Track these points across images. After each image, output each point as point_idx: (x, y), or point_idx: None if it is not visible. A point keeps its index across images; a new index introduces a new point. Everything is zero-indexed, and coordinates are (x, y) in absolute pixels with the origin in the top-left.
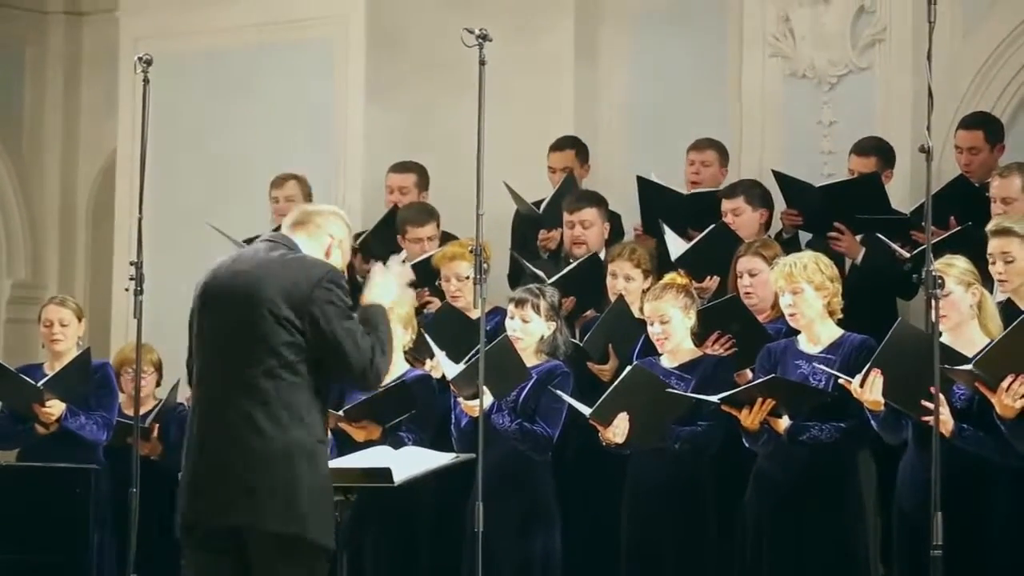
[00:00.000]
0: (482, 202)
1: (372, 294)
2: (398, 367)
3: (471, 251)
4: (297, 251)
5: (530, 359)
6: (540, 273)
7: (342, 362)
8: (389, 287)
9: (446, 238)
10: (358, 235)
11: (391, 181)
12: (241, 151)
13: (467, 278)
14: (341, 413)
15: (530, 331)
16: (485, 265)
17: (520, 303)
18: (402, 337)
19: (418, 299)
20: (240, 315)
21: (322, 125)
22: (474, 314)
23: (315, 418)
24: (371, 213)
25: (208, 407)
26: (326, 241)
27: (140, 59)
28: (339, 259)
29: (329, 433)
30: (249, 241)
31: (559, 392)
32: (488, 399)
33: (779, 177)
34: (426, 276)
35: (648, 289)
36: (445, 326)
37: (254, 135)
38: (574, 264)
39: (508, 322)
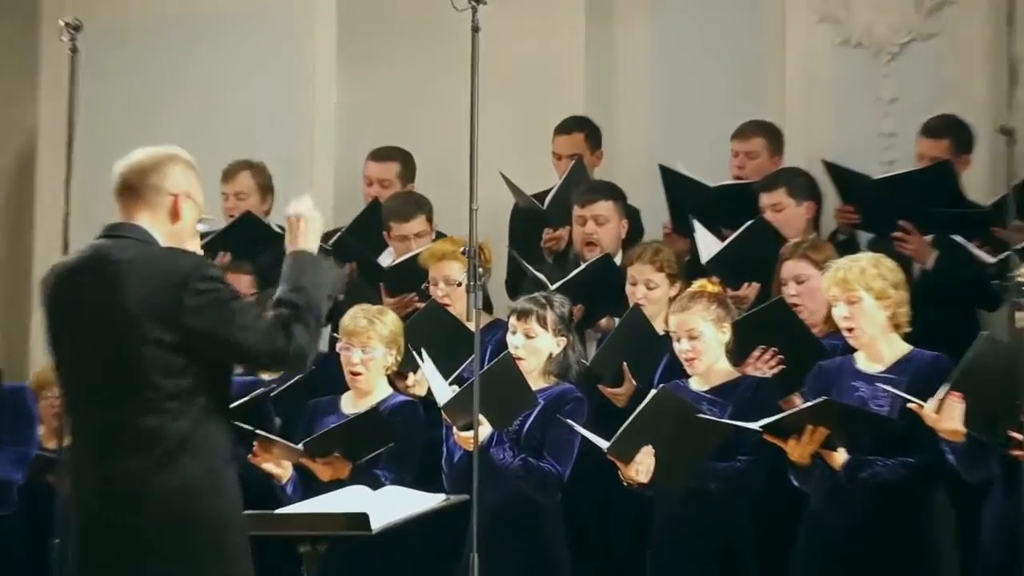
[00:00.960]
0: (476, 195)
1: (297, 240)
2: (379, 391)
3: (463, 252)
4: (146, 239)
5: (536, 381)
6: (543, 278)
7: (243, 356)
8: (315, 227)
9: (439, 237)
10: (330, 234)
11: (370, 171)
12: (189, 136)
13: (458, 284)
14: (300, 447)
15: (536, 348)
16: (481, 269)
17: (523, 315)
18: (384, 359)
19: (403, 305)
20: (103, 340)
21: (285, 105)
22: (468, 326)
23: (215, 440)
24: (346, 209)
25: (81, 469)
26: (167, 203)
27: (67, 25)
28: (191, 215)
29: (291, 468)
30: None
31: (570, 421)
32: (486, 430)
33: (831, 168)
34: (412, 278)
35: (675, 298)
36: (432, 330)
37: (204, 117)
38: (583, 266)
39: (510, 338)
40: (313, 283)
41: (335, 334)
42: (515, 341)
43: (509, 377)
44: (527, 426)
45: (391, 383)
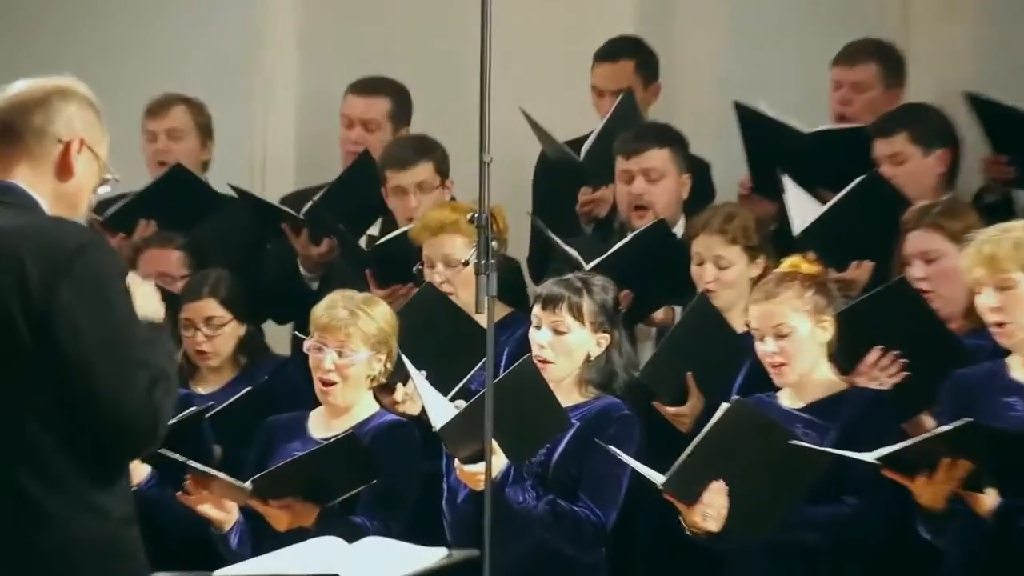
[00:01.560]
0: (488, 143)
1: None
2: (359, 408)
3: (471, 220)
4: (23, 203)
5: (569, 395)
6: (577, 255)
7: (99, 408)
8: (150, 294)
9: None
10: (298, 196)
11: (351, 109)
12: (107, 71)
13: (464, 264)
14: (248, 484)
15: (568, 348)
16: (495, 243)
17: (550, 303)
18: (368, 365)
19: (396, 298)
20: None
21: (231, 28)
22: (479, 321)
23: (111, 487)
24: (315, 164)
25: None
26: (54, 152)
27: None
28: (89, 170)
29: (236, 512)
30: None
31: (615, 450)
32: (500, 462)
33: (975, 103)
34: (409, 260)
35: (757, 282)
36: (427, 327)
37: (123, 44)
38: (631, 238)
39: (533, 334)
40: (162, 356)
41: (298, 333)
42: (540, 338)
43: (531, 389)
44: (557, 456)
45: (376, 398)
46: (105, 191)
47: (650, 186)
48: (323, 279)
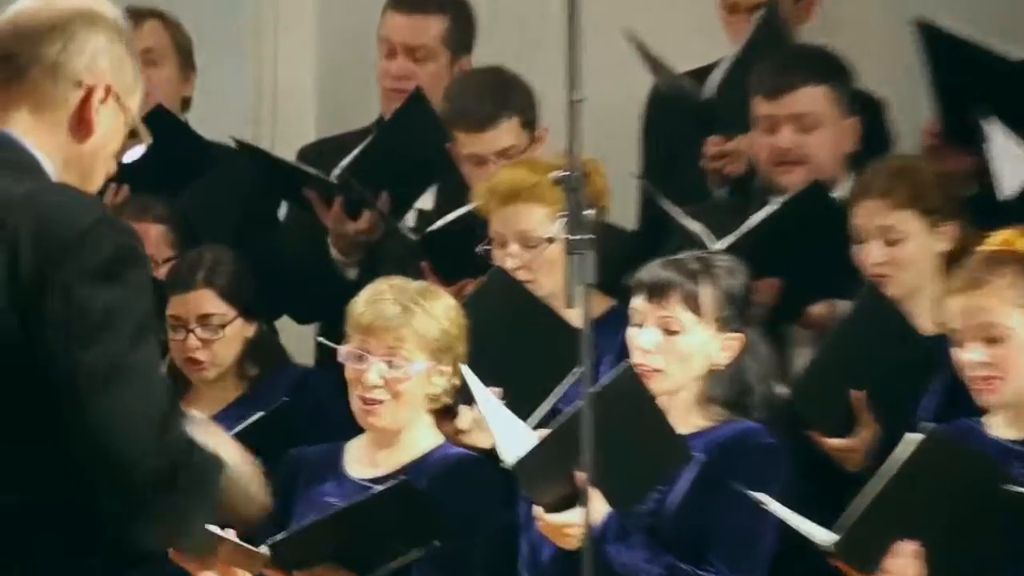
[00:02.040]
0: (580, 79)
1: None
2: (415, 437)
3: (556, 181)
4: (21, 163)
5: (687, 416)
6: (699, 230)
7: (92, 434)
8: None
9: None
10: (320, 148)
11: (392, 30)
12: None
13: (547, 241)
14: (264, 550)
15: (682, 353)
16: (590, 212)
17: (657, 293)
18: (427, 379)
19: (462, 296)
20: None
21: None
22: (569, 318)
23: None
24: (343, 109)
25: None
26: (71, 99)
27: None
28: (114, 128)
29: None
30: None
31: (759, 495)
32: (598, 510)
33: None
34: (465, 241)
35: (950, 261)
36: (497, 325)
37: None
38: (776, 205)
39: (634, 336)
40: (208, 474)
41: (323, 340)
42: (644, 341)
43: (634, 408)
44: (675, 501)
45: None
46: (134, 156)
47: (802, 136)
48: (364, 265)
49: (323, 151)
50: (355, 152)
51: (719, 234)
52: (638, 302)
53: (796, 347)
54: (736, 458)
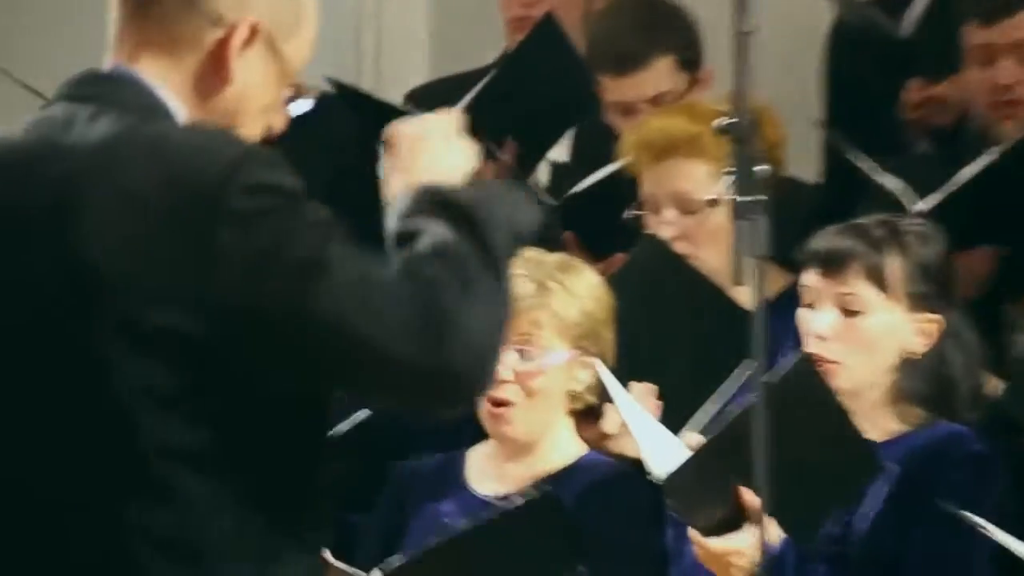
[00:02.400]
0: (750, 8)
1: (429, 169)
2: (555, 444)
3: (722, 130)
4: (149, 106)
5: (876, 419)
6: (897, 188)
7: (362, 361)
8: (452, 144)
9: None
10: (431, 91)
11: None
12: None
13: (710, 203)
14: None
15: (866, 339)
16: (763, 168)
17: (833, 266)
18: (567, 372)
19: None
20: (27, 327)
21: None
22: (738, 295)
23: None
24: (459, 44)
25: None
26: (205, 39)
27: None
28: (262, 78)
29: None
30: None
31: (966, 516)
32: (772, 535)
33: None
34: (615, 205)
35: None
36: (647, 305)
37: None
38: (995, 156)
39: (806, 318)
40: (489, 238)
41: None
42: (818, 325)
43: (813, 409)
44: (861, 523)
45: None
46: (296, 111)
47: None
48: None
49: (436, 93)
50: (472, 93)
51: (922, 192)
52: (811, 278)
53: (1015, 332)
54: (939, 470)
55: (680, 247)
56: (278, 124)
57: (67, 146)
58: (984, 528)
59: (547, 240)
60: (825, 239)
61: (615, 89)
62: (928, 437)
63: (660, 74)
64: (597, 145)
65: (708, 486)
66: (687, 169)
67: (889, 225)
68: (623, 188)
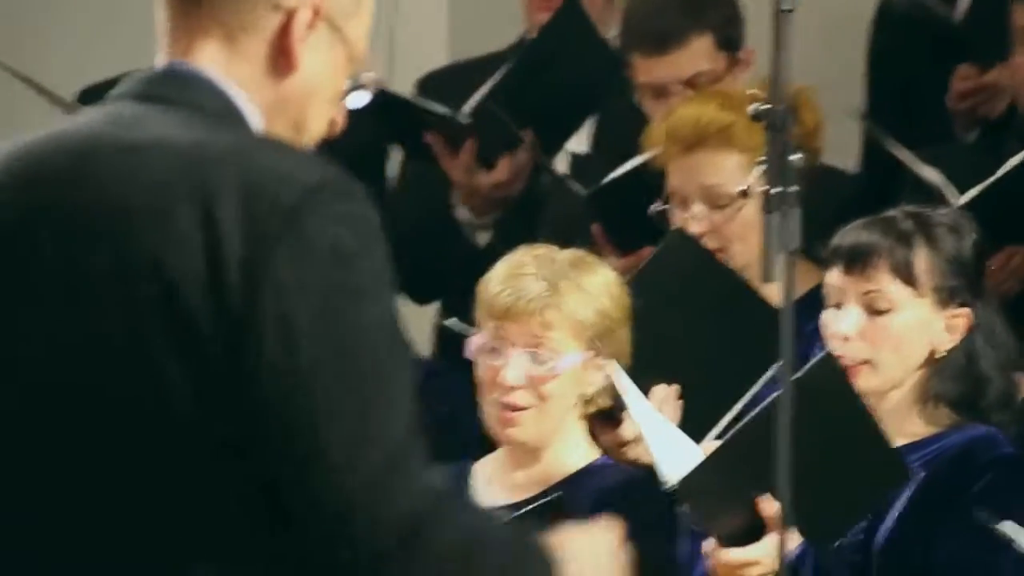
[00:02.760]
0: None
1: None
2: (568, 451)
3: (755, 116)
4: (215, 107)
5: (904, 421)
6: (938, 180)
7: (311, 474)
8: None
9: None
10: (446, 78)
11: None
12: None
13: (740, 195)
14: None
15: (894, 337)
16: (799, 157)
17: (857, 262)
18: (580, 376)
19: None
20: (80, 343)
21: None
22: (768, 292)
23: None
24: (479, 30)
25: None
26: (268, 24)
27: None
28: (330, 63)
29: None
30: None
31: (998, 526)
32: (791, 543)
33: None
34: (641, 197)
35: None
36: (673, 303)
37: None
38: None
39: (830, 319)
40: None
41: (449, 323)
42: (844, 324)
43: (837, 411)
44: (887, 530)
45: (593, 434)
46: (359, 102)
47: None
48: (499, 228)
49: (450, 81)
50: (491, 82)
51: (964, 186)
52: (834, 276)
53: None
54: (968, 475)
55: (709, 243)
56: (339, 118)
57: (142, 146)
58: (1014, 539)
59: (574, 233)
60: (849, 235)
61: (648, 69)
62: (957, 440)
63: (697, 54)
64: (624, 132)
65: (725, 492)
66: (717, 161)
67: (916, 217)
68: (653, 179)
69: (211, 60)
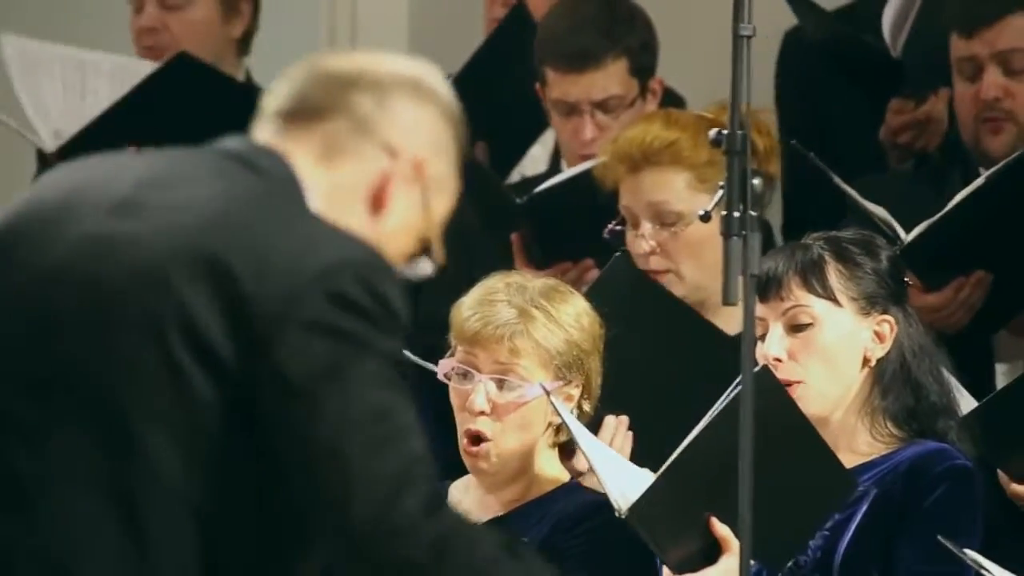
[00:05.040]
0: (749, 5)
1: None
2: (539, 474)
3: (715, 141)
4: (287, 189)
5: (851, 443)
6: (885, 216)
7: (321, 492)
8: None
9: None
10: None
11: None
12: None
13: (702, 218)
14: None
15: (821, 349)
16: (757, 181)
17: (773, 288)
18: (549, 407)
19: (564, 270)
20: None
21: None
22: (722, 319)
23: None
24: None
25: None
26: (374, 171)
27: None
28: (413, 216)
29: None
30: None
31: (952, 545)
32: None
33: None
34: (575, 221)
35: None
36: (621, 328)
37: None
38: (984, 179)
39: (768, 342)
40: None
41: (416, 362)
42: (770, 348)
43: (775, 423)
44: (843, 545)
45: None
46: (420, 273)
47: (1011, 81)
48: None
49: None
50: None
51: (906, 222)
52: (756, 309)
53: (1002, 361)
54: (921, 488)
55: (657, 262)
56: (403, 272)
57: (184, 187)
58: (970, 560)
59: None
60: (761, 264)
61: (561, 86)
62: (907, 455)
63: (612, 77)
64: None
65: (675, 516)
66: (664, 179)
67: (824, 239)
68: (590, 193)
69: (302, 159)
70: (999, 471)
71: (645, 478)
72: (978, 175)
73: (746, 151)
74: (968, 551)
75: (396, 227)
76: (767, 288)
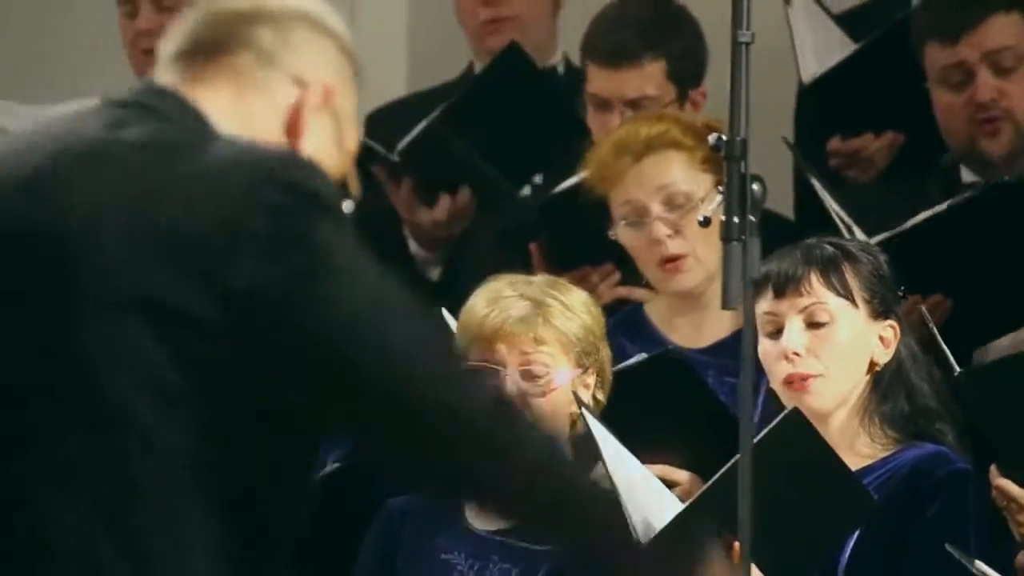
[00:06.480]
0: (748, 12)
1: None
2: None
3: (715, 146)
4: (200, 130)
5: (852, 445)
6: (846, 220)
7: (410, 423)
8: None
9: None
10: (398, 112)
11: None
12: None
13: (702, 223)
14: None
15: (839, 348)
16: (757, 187)
17: (790, 285)
18: (569, 392)
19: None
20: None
21: None
22: (728, 320)
23: None
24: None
25: None
26: (286, 97)
27: None
28: (328, 144)
29: None
30: None
31: (957, 552)
32: None
33: None
34: (592, 226)
35: None
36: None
37: None
38: (959, 199)
39: (769, 347)
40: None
41: None
42: (790, 341)
43: (803, 459)
44: (849, 554)
45: None
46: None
47: (1003, 81)
48: (450, 264)
49: (399, 114)
50: (424, 122)
51: (873, 227)
52: (766, 304)
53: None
54: (922, 494)
55: (676, 245)
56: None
57: (112, 142)
58: (973, 567)
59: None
60: (772, 263)
61: (598, 80)
62: (907, 458)
63: (647, 77)
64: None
65: (690, 539)
66: (667, 162)
67: (832, 242)
68: (591, 201)
69: (211, 100)
70: (991, 467)
71: (668, 499)
72: (961, 184)
73: (746, 156)
74: (978, 562)
75: (312, 156)
76: (784, 284)
